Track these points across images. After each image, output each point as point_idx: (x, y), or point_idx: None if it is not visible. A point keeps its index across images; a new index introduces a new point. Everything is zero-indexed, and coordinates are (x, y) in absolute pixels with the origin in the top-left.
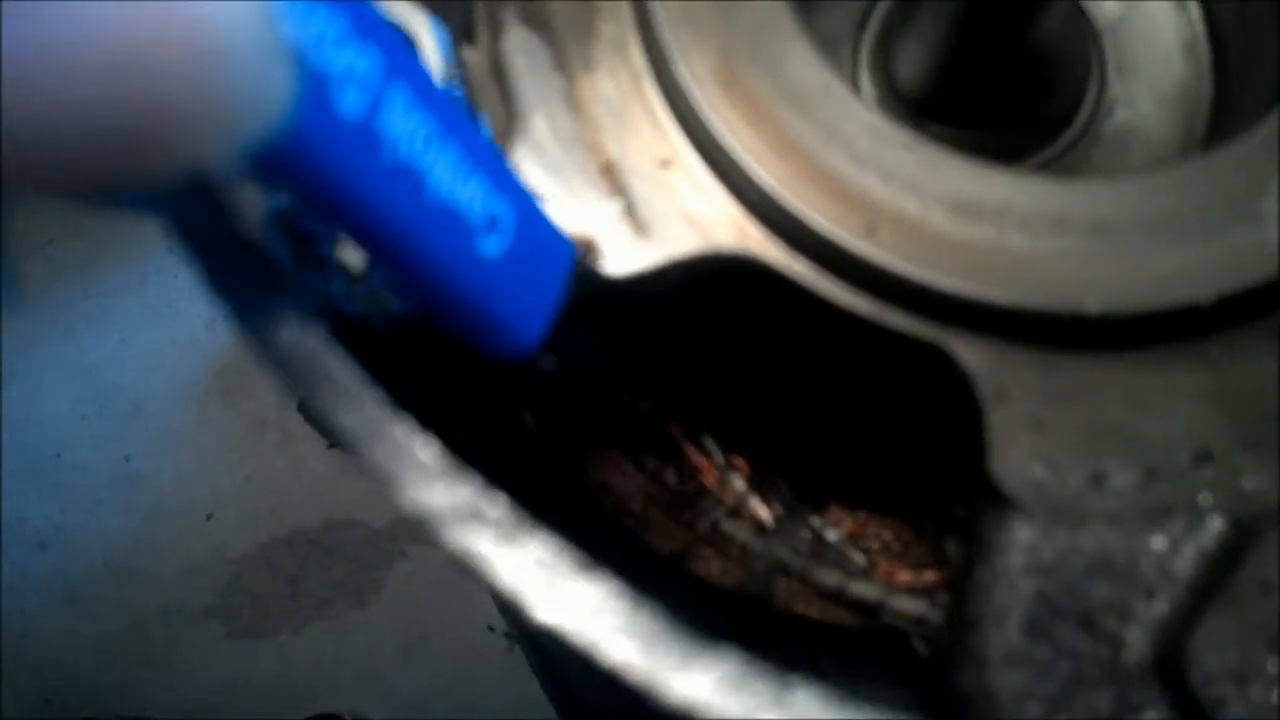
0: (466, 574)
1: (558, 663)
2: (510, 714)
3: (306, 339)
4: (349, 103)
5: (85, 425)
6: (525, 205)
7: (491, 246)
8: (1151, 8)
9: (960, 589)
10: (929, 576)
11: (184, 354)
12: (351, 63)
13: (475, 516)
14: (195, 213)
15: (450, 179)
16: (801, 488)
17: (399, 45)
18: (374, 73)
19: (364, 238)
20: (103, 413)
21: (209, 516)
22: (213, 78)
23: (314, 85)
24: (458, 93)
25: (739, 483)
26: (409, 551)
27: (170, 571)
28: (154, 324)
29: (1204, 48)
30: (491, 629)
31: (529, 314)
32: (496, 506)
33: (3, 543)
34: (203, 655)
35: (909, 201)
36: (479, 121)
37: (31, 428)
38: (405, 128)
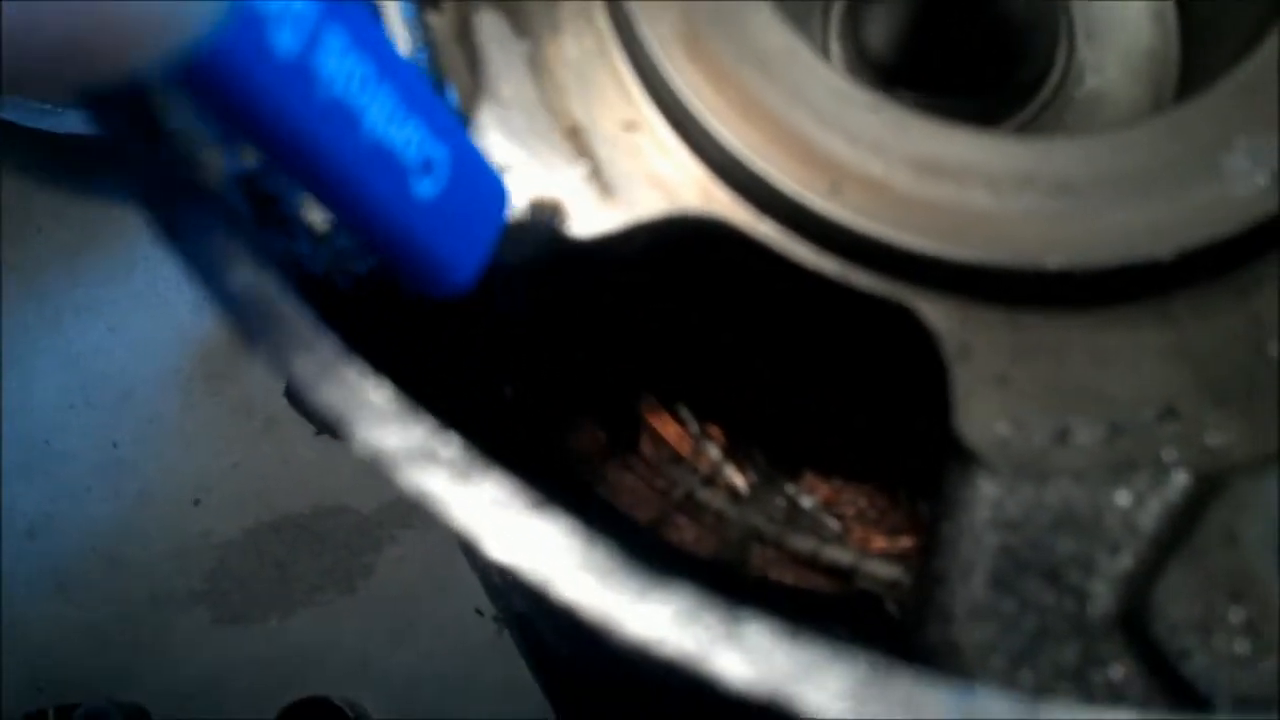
0: (422, 512)
1: (546, 644)
2: (499, 697)
3: (260, 284)
4: (284, 40)
5: (73, 414)
6: (461, 149)
7: (426, 188)
8: None
9: (927, 546)
10: (904, 542)
11: (171, 342)
12: (287, 2)
13: (429, 457)
14: (154, 164)
15: (386, 121)
16: (776, 455)
17: None
18: (309, 14)
19: (300, 172)
20: (90, 401)
21: (196, 503)
22: None
23: (250, 22)
24: (422, 55)
25: (714, 451)
26: (398, 537)
27: (158, 558)
28: (141, 313)
29: (1171, 13)
30: (480, 613)
31: (464, 252)
32: (450, 447)
33: None
34: (191, 641)
35: (873, 162)
36: (445, 87)
37: (19, 416)
38: (341, 68)
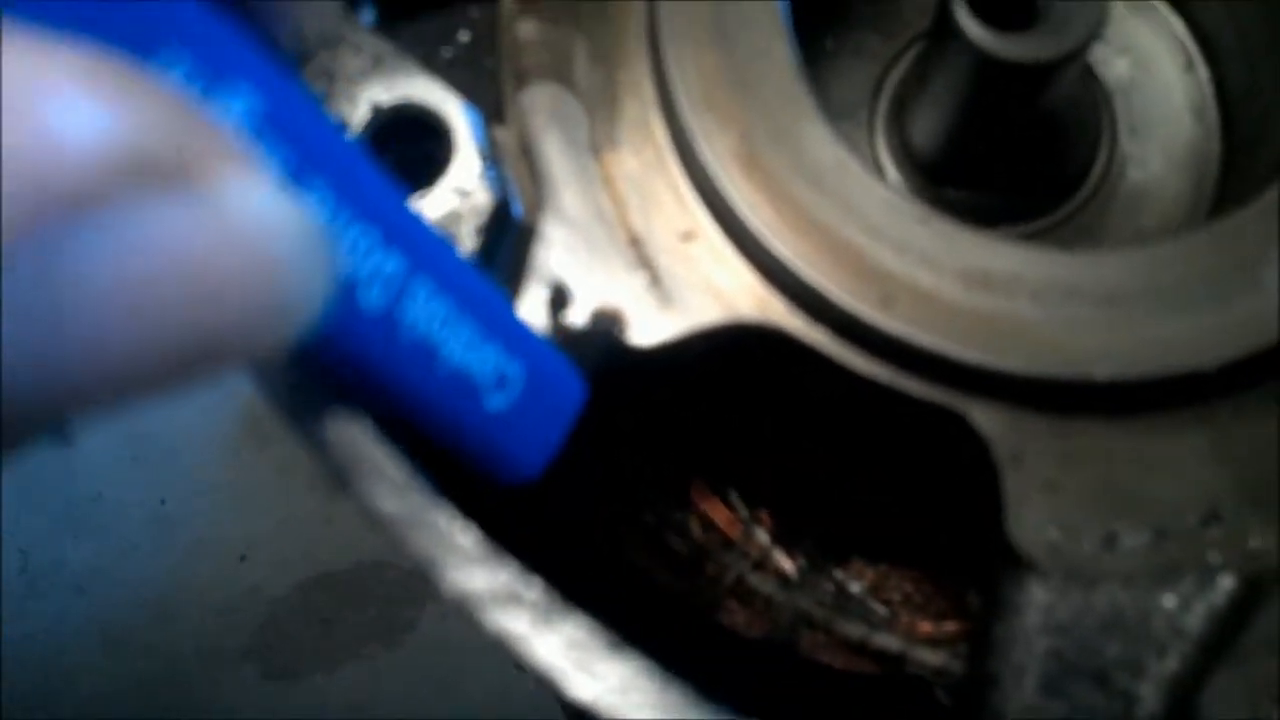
0: (506, 653)
1: None
2: None
3: (352, 431)
4: (372, 299)
5: (120, 470)
6: (536, 359)
7: (498, 401)
8: (1161, 71)
9: (979, 648)
10: (950, 627)
11: (218, 400)
12: (378, 266)
13: (513, 599)
14: None
15: (464, 350)
16: (824, 541)
17: (428, 240)
18: (399, 273)
19: (378, 402)
20: (138, 457)
21: (243, 558)
22: (270, 284)
23: (340, 288)
24: (491, 172)
25: (763, 536)
26: (439, 593)
27: (206, 613)
28: None
29: (1213, 110)
30: (520, 668)
31: (532, 451)
32: (533, 589)
33: (40, 586)
34: (239, 696)
35: (923, 273)
36: (511, 200)
37: (67, 472)
38: (425, 312)
